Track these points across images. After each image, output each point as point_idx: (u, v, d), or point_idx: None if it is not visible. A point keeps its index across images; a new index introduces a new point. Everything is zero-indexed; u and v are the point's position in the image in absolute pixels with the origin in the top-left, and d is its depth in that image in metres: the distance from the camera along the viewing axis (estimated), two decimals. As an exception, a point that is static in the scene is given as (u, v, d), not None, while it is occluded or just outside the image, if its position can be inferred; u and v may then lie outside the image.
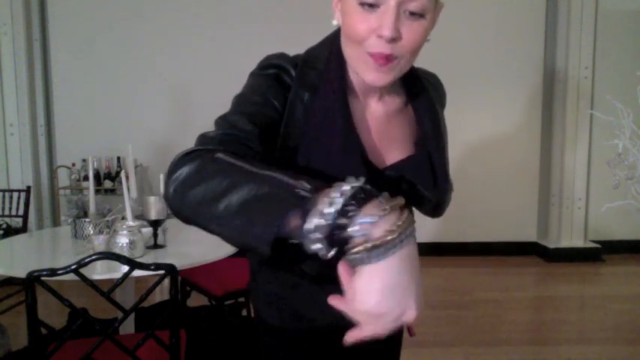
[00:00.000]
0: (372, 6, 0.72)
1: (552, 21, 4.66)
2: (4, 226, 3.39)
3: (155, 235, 2.02)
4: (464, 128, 4.48)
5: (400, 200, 0.56)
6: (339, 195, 0.54)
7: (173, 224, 2.34)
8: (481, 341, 2.90)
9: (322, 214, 0.54)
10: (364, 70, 0.77)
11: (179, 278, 1.75)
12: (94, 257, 1.47)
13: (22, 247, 2.24)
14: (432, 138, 0.88)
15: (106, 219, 2.08)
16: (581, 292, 3.96)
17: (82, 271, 1.46)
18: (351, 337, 0.58)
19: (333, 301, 0.59)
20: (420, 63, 0.88)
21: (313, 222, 0.54)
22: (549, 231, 4.81)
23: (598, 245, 4.65)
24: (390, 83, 0.78)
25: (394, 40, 0.72)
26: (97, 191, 3.78)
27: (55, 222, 4.47)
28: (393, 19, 0.71)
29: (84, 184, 4.20)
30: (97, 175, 4.21)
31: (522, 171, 4.73)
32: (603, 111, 3.33)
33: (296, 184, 0.58)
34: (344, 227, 0.54)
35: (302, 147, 0.79)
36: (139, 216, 2.11)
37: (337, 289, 0.86)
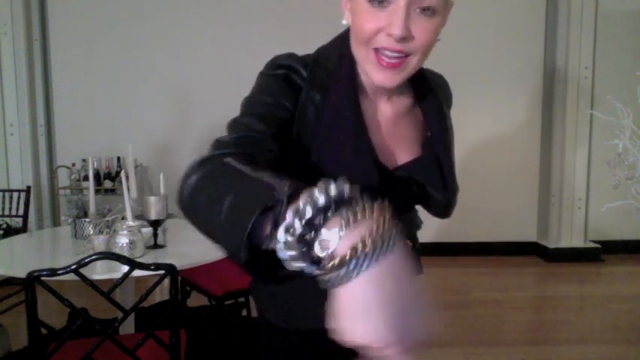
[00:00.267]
0: (381, 3, 0.71)
1: (552, 21, 4.66)
2: (4, 226, 3.39)
3: (155, 235, 2.02)
4: (464, 128, 4.46)
5: (382, 208, 0.47)
6: (308, 204, 0.47)
7: (173, 224, 2.34)
8: (481, 341, 2.90)
9: (289, 226, 0.47)
10: (373, 71, 0.76)
11: (179, 278, 1.75)
12: (94, 257, 1.47)
13: (22, 247, 2.24)
14: (440, 140, 0.88)
15: (106, 219, 2.08)
16: (581, 292, 3.96)
17: (82, 271, 1.46)
18: None
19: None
20: (420, 63, 0.88)
21: (282, 234, 0.48)
22: (549, 231, 4.81)
23: (598, 245, 4.64)
24: (399, 84, 0.78)
25: (404, 39, 0.72)
26: (97, 191, 3.78)
27: (55, 222, 4.47)
28: (403, 18, 0.70)
29: (84, 184, 4.19)
30: (97, 175, 4.21)
31: (522, 171, 4.73)
32: (603, 111, 3.34)
33: (276, 184, 0.52)
34: (310, 244, 0.47)
35: (313, 147, 0.79)
36: (139, 216, 2.11)
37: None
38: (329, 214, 0.47)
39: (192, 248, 2.10)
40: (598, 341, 2.92)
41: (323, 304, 0.87)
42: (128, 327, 2.10)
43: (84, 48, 4.44)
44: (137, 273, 1.56)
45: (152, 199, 1.95)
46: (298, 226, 0.47)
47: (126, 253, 1.78)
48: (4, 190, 3.31)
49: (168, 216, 2.10)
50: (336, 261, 0.45)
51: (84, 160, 4.30)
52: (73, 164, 4.34)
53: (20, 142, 4.29)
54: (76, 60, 4.45)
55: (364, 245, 0.44)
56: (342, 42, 0.84)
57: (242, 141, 0.71)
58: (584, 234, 4.71)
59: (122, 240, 1.83)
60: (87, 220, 2.15)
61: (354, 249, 0.44)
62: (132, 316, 2.08)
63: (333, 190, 0.48)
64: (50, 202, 4.51)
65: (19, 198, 3.25)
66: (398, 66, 0.74)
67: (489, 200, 4.67)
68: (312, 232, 0.47)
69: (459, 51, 4.46)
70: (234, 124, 0.76)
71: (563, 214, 4.64)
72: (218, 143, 0.71)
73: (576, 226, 4.65)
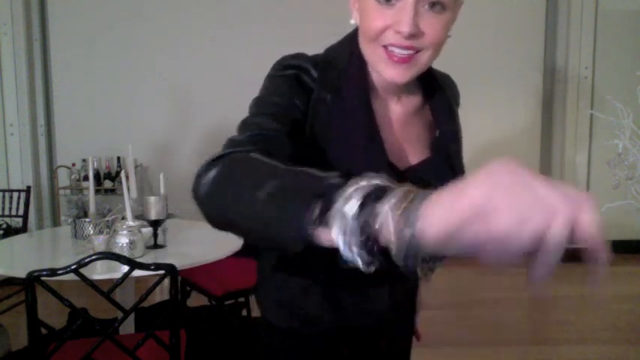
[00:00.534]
0: (388, 1, 0.71)
1: (552, 21, 4.66)
2: (4, 226, 3.39)
3: (155, 235, 2.02)
4: (464, 128, 4.47)
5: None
6: (363, 185, 0.50)
7: (173, 224, 2.34)
8: (481, 341, 2.90)
9: (345, 207, 0.49)
10: (383, 67, 0.76)
11: (179, 278, 1.75)
12: (94, 257, 1.47)
13: (22, 247, 2.25)
14: (451, 140, 0.88)
15: (106, 219, 2.08)
16: (581, 292, 3.96)
17: (82, 271, 1.46)
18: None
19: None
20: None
21: (337, 213, 0.50)
22: (549, 231, 4.80)
23: (598, 245, 4.64)
24: (410, 80, 0.77)
25: (413, 36, 0.71)
26: (97, 191, 3.78)
27: (55, 222, 4.47)
28: (412, 15, 0.70)
29: (84, 184, 4.19)
30: (97, 175, 4.20)
31: (522, 171, 4.73)
32: (603, 111, 3.34)
33: (323, 176, 0.54)
34: (369, 222, 0.49)
35: (326, 148, 0.78)
36: (139, 216, 2.11)
37: (349, 292, 0.86)
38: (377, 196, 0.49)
39: (192, 248, 2.10)
40: (598, 341, 2.92)
41: (333, 307, 0.87)
42: (128, 327, 2.10)
43: (84, 48, 4.44)
44: (137, 273, 1.56)
45: (152, 199, 1.95)
46: (356, 212, 0.48)
47: (126, 253, 1.78)
48: (4, 190, 3.31)
49: (169, 216, 2.10)
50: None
51: (84, 160, 4.30)
52: (73, 164, 4.34)
53: (20, 142, 4.29)
54: (76, 60, 4.45)
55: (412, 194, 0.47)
56: (350, 42, 0.84)
57: (257, 139, 0.70)
58: (584, 234, 4.71)
59: (122, 240, 1.83)
60: (87, 220, 2.15)
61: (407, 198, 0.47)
62: (132, 316, 2.08)
63: (374, 179, 0.51)
64: (50, 202, 4.51)
65: (19, 198, 3.25)
66: (409, 61, 0.74)
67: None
68: (370, 217, 0.48)
69: (459, 51, 4.45)
70: (245, 124, 0.74)
71: (563, 214, 4.63)
72: (232, 142, 0.69)
73: (576, 226, 4.65)
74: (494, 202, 0.41)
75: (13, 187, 4.18)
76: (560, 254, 0.41)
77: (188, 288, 2.67)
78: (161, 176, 2.22)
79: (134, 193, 2.25)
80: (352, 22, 0.81)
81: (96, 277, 1.64)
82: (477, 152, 4.62)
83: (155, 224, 2.00)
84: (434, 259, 0.48)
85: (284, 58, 0.83)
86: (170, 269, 1.52)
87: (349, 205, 0.49)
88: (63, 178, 4.35)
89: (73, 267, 1.44)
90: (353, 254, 0.50)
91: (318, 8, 4.19)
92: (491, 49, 4.58)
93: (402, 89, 0.85)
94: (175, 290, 1.57)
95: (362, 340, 0.91)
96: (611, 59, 4.56)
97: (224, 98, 4.34)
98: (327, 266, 0.67)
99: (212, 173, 0.62)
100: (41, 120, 4.46)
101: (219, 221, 0.63)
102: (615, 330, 3.07)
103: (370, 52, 0.77)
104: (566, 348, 2.83)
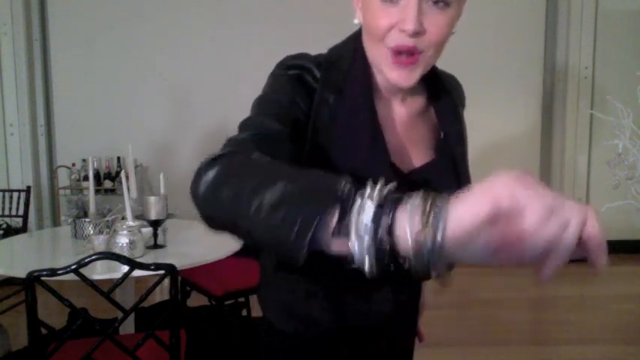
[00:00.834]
0: None
1: (552, 21, 4.66)
2: (4, 226, 3.39)
3: (155, 235, 2.02)
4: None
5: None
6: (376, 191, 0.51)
7: (173, 224, 2.34)
8: (481, 341, 2.90)
9: (362, 214, 0.49)
10: (388, 70, 0.75)
11: (179, 278, 1.75)
12: (94, 257, 1.47)
13: (22, 247, 2.25)
14: (455, 142, 0.87)
15: (106, 219, 2.08)
16: (581, 292, 3.96)
17: (82, 271, 1.46)
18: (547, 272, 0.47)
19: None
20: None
21: (355, 219, 0.50)
22: (549, 231, 4.80)
23: (598, 245, 4.64)
24: (414, 83, 0.76)
25: (418, 34, 0.70)
26: (97, 191, 3.78)
27: (55, 222, 4.47)
28: (416, 12, 0.69)
29: (84, 184, 4.19)
30: (97, 175, 4.20)
31: (522, 171, 4.73)
32: (603, 111, 3.34)
33: (333, 181, 0.53)
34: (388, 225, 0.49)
35: (328, 149, 0.77)
36: (139, 216, 2.11)
37: (352, 294, 0.86)
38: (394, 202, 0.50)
39: (192, 248, 2.10)
40: (598, 341, 2.92)
41: (336, 310, 0.87)
42: (128, 327, 2.10)
43: (84, 48, 4.44)
44: (137, 273, 1.56)
45: (152, 199, 1.95)
46: (371, 214, 0.49)
47: (126, 253, 1.78)
48: (4, 190, 3.31)
49: (169, 216, 2.10)
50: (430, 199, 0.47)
51: (84, 160, 4.30)
52: (73, 164, 4.34)
53: (20, 142, 4.29)
54: (76, 60, 4.45)
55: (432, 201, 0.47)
56: (354, 41, 0.83)
57: (258, 138, 0.69)
58: (584, 234, 4.71)
59: (122, 240, 1.83)
60: (87, 220, 2.15)
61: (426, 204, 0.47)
62: (132, 316, 2.08)
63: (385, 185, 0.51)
64: (50, 202, 4.51)
65: (19, 198, 3.25)
66: (413, 63, 0.73)
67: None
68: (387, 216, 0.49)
69: (459, 51, 4.45)
70: (246, 124, 0.73)
71: (563, 214, 4.63)
72: (231, 141, 0.68)
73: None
74: (522, 204, 0.44)
75: (13, 187, 4.18)
76: (569, 257, 0.45)
77: (188, 288, 2.67)
78: (161, 176, 2.22)
79: (134, 193, 2.25)
80: (356, 21, 0.80)
81: (96, 277, 1.64)
82: (477, 152, 4.62)
83: (155, 224, 2.00)
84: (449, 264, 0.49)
85: (287, 58, 0.82)
86: (170, 269, 1.52)
87: (365, 215, 0.49)
88: (63, 178, 4.36)
89: (73, 267, 1.44)
90: (367, 263, 0.51)
91: (318, 8, 4.19)
92: (491, 49, 4.58)
93: (407, 90, 0.84)
94: (175, 290, 1.57)
95: (362, 341, 0.91)
96: (611, 59, 4.56)
97: (224, 98, 4.34)
98: (330, 269, 0.66)
99: (212, 173, 0.60)
100: (41, 120, 4.46)
101: (217, 223, 0.62)
102: (615, 330, 3.08)
103: (375, 52, 0.77)
104: (566, 348, 2.83)
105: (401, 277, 0.88)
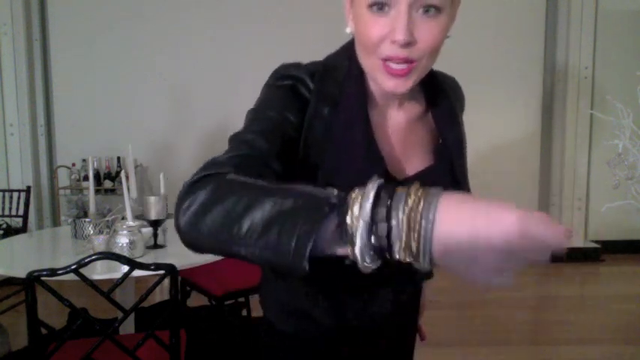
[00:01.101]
0: (381, 8, 0.69)
1: (552, 21, 4.66)
2: (4, 226, 3.39)
3: (155, 235, 2.02)
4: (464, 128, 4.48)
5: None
6: (369, 190, 0.53)
7: (173, 224, 2.34)
8: (481, 341, 2.90)
9: (359, 212, 0.52)
10: (382, 79, 0.74)
11: (179, 278, 1.75)
12: (94, 257, 1.47)
13: (22, 247, 2.25)
14: (453, 146, 0.86)
15: (106, 219, 2.08)
16: (581, 292, 3.96)
17: (82, 271, 1.46)
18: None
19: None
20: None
21: (353, 220, 0.52)
22: (549, 231, 4.80)
23: (598, 245, 4.64)
24: (410, 89, 0.76)
25: (409, 44, 0.70)
26: (97, 191, 3.78)
27: (55, 222, 4.47)
28: (406, 22, 0.68)
29: (84, 184, 4.19)
30: (97, 175, 4.20)
31: (522, 171, 4.73)
32: (603, 111, 3.34)
33: (322, 192, 0.55)
34: (384, 218, 0.52)
35: (322, 161, 0.77)
36: (139, 216, 2.11)
37: (352, 295, 0.86)
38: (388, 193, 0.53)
39: (192, 248, 2.10)
40: (598, 341, 2.92)
41: (336, 311, 0.87)
42: (128, 327, 2.10)
43: (84, 48, 4.44)
44: (137, 273, 1.56)
45: (152, 199, 1.95)
46: (367, 221, 0.51)
47: (126, 253, 1.78)
48: (4, 190, 3.32)
49: (168, 216, 2.09)
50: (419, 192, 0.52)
51: (84, 160, 4.30)
52: (73, 164, 4.34)
53: (20, 142, 4.29)
54: (76, 60, 4.45)
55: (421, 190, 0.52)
56: (348, 50, 0.82)
57: (241, 161, 0.68)
58: (584, 234, 4.71)
59: (122, 240, 1.83)
60: (87, 220, 2.15)
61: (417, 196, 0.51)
62: (132, 316, 2.08)
63: (377, 184, 0.54)
64: (50, 202, 4.51)
65: (19, 198, 3.25)
66: (407, 72, 0.72)
67: (489, 200, 4.66)
68: (383, 209, 0.52)
69: (459, 51, 4.45)
70: (235, 140, 0.73)
71: (563, 214, 4.64)
72: (213, 163, 0.67)
73: (576, 226, 4.65)
74: (531, 233, 0.48)
75: (13, 187, 4.18)
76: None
77: (188, 288, 2.67)
78: (161, 176, 2.22)
79: (134, 193, 2.25)
80: (348, 30, 0.80)
81: (96, 277, 1.64)
82: (477, 152, 4.63)
83: (155, 224, 2.00)
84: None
85: (281, 67, 0.82)
86: (170, 269, 1.53)
87: (362, 219, 0.52)
88: (63, 178, 4.36)
89: (73, 267, 1.44)
90: (367, 262, 0.53)
91: (318, 8, 4.19)
92: (491, 49, 4.58)
93: (404, 96, 0.83)
94: (175, 290, 1.57)
95: (362, 341, 0.91)
96: (611, 59, 4.56)
97: (224, 98, 4.34)
98: (331, 270, 0.66)
99: (195, 200, 0.60)
100: (41, 120, 4.46)
101: (206, 250, 0.62)
102: (615, 330, 3.07)
103: (368, 63, 0.76)
104: (566, 348, 2.83)
105: (401, 278, 0.88)
